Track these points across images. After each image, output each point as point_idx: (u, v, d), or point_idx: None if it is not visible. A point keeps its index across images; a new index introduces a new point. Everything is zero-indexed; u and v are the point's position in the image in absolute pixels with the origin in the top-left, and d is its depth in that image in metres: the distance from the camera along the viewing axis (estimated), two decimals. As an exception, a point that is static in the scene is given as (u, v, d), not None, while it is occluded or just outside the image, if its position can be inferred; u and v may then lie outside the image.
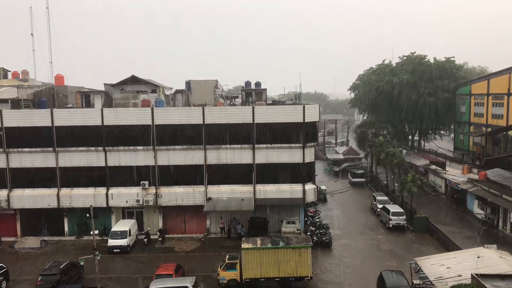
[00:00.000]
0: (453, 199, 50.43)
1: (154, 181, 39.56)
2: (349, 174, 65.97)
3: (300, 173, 39.72)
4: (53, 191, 39.68)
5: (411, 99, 66.38)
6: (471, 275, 21.84)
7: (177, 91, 47.81)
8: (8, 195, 39.40)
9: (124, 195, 39.56)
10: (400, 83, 66.83)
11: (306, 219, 41.45)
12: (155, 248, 37.69)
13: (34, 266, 33.75)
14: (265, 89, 48.06)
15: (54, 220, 40.65)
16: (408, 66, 68.59)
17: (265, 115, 38.92)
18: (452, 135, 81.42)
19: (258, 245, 29.26)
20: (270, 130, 39.13)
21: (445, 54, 75.93)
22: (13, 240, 39.50)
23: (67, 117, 38.88)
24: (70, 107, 43.37)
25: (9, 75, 54.05)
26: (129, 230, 37.26)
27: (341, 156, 74.80)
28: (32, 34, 56.32)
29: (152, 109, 38.96)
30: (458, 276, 22.89)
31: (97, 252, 28.08)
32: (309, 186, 40.16)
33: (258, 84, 49.54)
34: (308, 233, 37.62)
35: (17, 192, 39.68)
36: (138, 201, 39.31)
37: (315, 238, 36.73)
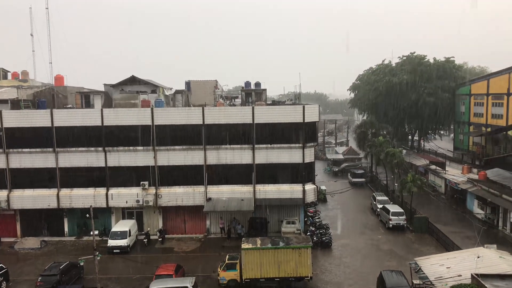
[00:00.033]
0: (453, 199, 50.47)
1: (154, 182, 39.57)
2: (349, 174, 66.00)
3: (300, 173, 39.73)
4: (53, 191, 39.69)
5: (411, 99, 66.40)
6: (471, 275, 21.85)
7: (177, 92, 47.84)
8: (8, 196, 39.41)
9: (124, 196, 39.58)
10: (400, 83, 66.82)
11: (306, 219, 41.45)
12: (155, 249, 37.70)
13: (34, 266, 33.74)
14: (265, 89, 48.06)
15: (54, 220, 40.66)
16: (407, 66, 68.60)
17: (265, 115, 38.94)
18: (452, 135, 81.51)
19: (258, 245, 29.27)
20: (270, 130, 39.15)
21: (444, 54, 76.08)
22: (13, 241, 39.50)
23: (67, 118, 38.90)
24: (70, 108, 43.39)
25: (9, 76, 54.06)
26: (129, 230, 37.26)
27: (341, 156, 74.85)
28: (31, 35, 56.42)
29: (152, 109, 38.97)
30: (458, 276, 22.90)
31: (97, 253, 28.10)
32: (309, 186, 40.17)
33: (257, 84, 49.53)
34: (308, 233, 37.62)
35: (17, 193, 39.69)
36: (138, 201, 39.32)
37: (315, 238, 36.74)
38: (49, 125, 38.68)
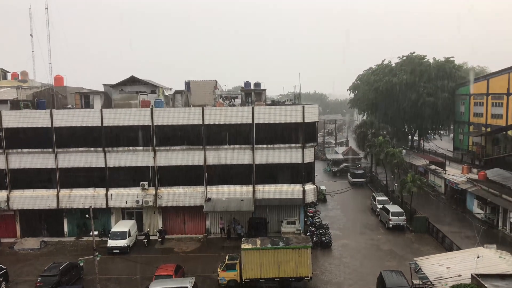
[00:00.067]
0: (452, 199, 50.46)
1: (153, 182, 39.55)
2: (348, 174, 65.98)
3: (299, 173, 39.72)
4: (52, 192, 39.67)
5: (411, 99, 66.40)
6: (471, 275, 21.85)
7: (177, 92, 47.79)
8: (7, 196, 39.39)
9: (124, 196, 39.55)
10: (400, 83, 66.83)
11: (305, 219, 41.43)
12: (154, 249, 37.68)
13: (34, 267, 33.71)
14: (265, 90, 48.03)
15: (54, 221, 40.64)
16: (407, 66, 68.58)
17: (265, 115, 38.93)
18: (452, 135, 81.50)
19: (258, 246, 29.26)
20: (270, 131, 39.13)
21: (444, 54, 76.05)
22: (12, 241, 39.47)
23: (66, 118, 38.88)
24: (70, 108, 43.37)
25: (9, 76, 54.07)
26: (129, 230, 37.25)
27: (340, 156, 74.81)
28: (31, 35, 56.48)
29: (151, 109, 38.96)
30: (458, 276, 22.90)
31: (97, 253, 28.12)
32: (309, 187, 40.16)
33: (257, 84, 49.50)
34: (308, 234, 37.61)
35: (17, 193, 39.66)
36: (137, 201, 39.30)
37: (314, 239, 36.72)
38: (49, 125, 38.66)
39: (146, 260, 34.44)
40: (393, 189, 52.35)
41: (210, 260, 34.11)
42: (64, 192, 39.69)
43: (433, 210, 47.37)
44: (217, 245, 37.88)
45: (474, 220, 42.62)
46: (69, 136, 38.98)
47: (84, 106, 42.99)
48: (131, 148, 39.23)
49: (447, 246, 35.23)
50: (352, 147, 79.82)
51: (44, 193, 39.58)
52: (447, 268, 24.31)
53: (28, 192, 39.61)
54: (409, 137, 78.62)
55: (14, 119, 38.74)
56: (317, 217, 42.81)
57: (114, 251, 35.83)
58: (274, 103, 50.80)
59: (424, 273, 24.57)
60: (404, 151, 61.61)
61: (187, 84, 51.97)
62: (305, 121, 38.90)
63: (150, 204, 39.22)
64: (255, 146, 39.11)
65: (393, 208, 43.04)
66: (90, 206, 30.56)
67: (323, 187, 55.14)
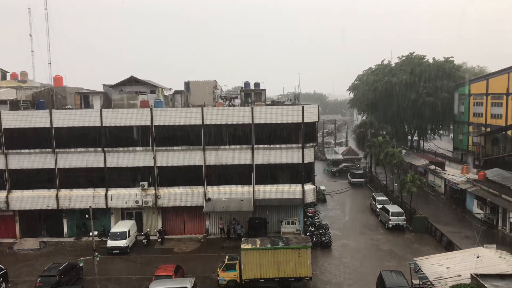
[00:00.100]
0: (452, 199, 50.48)
1: (153, 182, 39.54)
2: (348, 174, 65.98)
3: (299, 173, 39.72)
4: (52, 192, 39.65)
5: (410, 99, 66.37)
6: (471, 275, 21.85)
7: (176, 92, 47.77)
8: (7, 197, 39.35)
9: (123, 196, 39.53)
10: (399, 83, 66.83)
11: (305, 219, 41.42)
12: (154, 249, 37.66)
13: (33, 267, 33.70)
14: (264, 90, 47.99)
15: (53, 221, 40.62)
16: (407, 66, 68.55)
17: (264, 115, 38.93)
18: (451, 135, 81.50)
19: (258, 246, 29.26)
20: (269, 131, 39.13)
21: (444, 54, 76.03)
22: (12, 242, 39.43)
23: (66, 118, 38.86)
24: (69, 108, 43.36)
25: (8, 76, 54.07)
26: (129, 231, 37.23)
27: (340, 157, 74.82)
28: (31, 35, 56.51)
29: (151, 109, 38.95)
30: (458, 276, 22.91)
31: (97, 253, 28.10)
32: (309, 187, 40.15)
33: (257, 84, 49.48)
34: (308, 234, 37.60)
35: (16, 194, 39.63)
36: (137, 202, 39.29)
37: (314, 239, 36.72)
38: (48, 125, 38.64)
39: (146, 260, 34.43)
40: (393, 189, 52.36)
41: (210, 260, 34.11)
42: (63, 192, 39.67)
43: (433, 210, 47.38)
44: (216, 245, 37.87)
45: (473, 220, 42.63)
46: (69, 137, 38.96)
47: (84, 106, 42.99)
48: (130, 148, 39.22)
49: (447, 246, 35.23)
50: (351, 147, 79.84)
51: (44, 194, 39.56)
52: (446, 268, 24.31)
53: (27, 193, 39.59)
54: (409, 137, 78.59)
55: (14, 120, 38.72)
56: (316, 217, 42.81)
57: (113, 252, 35.81)
58: (274, 103, 50.77)
59: (423, 273, 24.58)
60: (403, 151, 61.60)
61: (187, 84, 51.95)
62: (305, 121, 38.90)
63: (150, 204, 39.20)
64: (255, 146, 39.10)
65: (393, 208, 43.05)
66: (90, 207, 30.58)
67: (322, 187, 55.13)
